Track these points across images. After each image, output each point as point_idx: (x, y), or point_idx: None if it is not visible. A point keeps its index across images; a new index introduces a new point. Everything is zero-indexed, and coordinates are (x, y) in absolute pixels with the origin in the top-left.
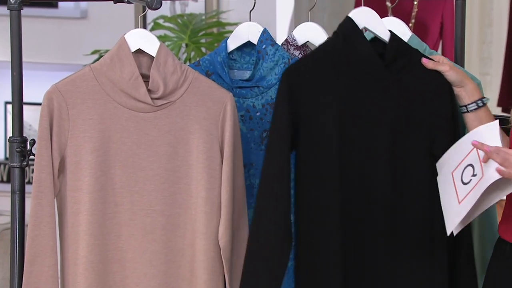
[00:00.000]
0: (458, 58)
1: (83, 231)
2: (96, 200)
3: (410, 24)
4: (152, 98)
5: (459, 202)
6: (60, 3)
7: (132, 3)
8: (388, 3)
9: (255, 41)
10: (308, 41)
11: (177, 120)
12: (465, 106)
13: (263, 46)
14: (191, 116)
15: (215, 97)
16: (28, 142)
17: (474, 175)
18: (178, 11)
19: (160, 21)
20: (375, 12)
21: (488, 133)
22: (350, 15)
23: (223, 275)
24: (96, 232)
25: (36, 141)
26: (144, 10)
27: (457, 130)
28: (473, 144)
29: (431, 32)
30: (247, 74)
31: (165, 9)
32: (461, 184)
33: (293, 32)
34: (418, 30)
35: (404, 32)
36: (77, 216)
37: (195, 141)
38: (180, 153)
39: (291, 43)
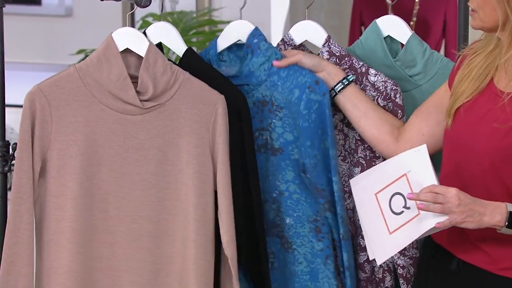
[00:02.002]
0: None
1: (66, 238)
2: (80, 206)
3: (411, 23)
4: (140, 100)
5: (390, 233)
6: (44, 0)
7: (120, 0)
8: (388, 0)
9: (244, 41)
10: (306, 41)
11: (166, 123)
12: (333, 89)
13: (255, 41)
14: (181, 118)
15: (206, 99)
16: (10, 147)
17: (406, 208)
18: (168, 9)
19: (149, 19)
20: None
21: (417, 160)
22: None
23: (213, 285)
24: (79, 240)
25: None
26: (132, 7)
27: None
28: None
29: (433, 31)
30: (234, 71)
31: (154, 7)
32: (390, 212)
33: (290, 31)
34: (420, 29)
35: (404, 31)
36: (60, 223)
37: (185, 145)
38: (170, 157)
39: (288, 43)
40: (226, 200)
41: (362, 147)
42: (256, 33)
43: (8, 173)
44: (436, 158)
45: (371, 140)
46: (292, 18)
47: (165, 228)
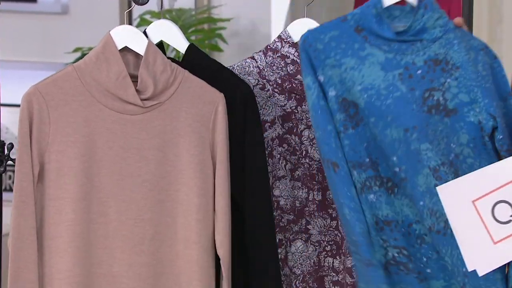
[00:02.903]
0: None
1: (66, 243)
2: (80, 209)
3: None
4: (140, 99)
5: (495, 243)
6: None
7: None
8: None
9: (413, 1)
10: None
11: (166, 123)
12: None
13: None
14: (181, 118)
15: (206, 97)
16: (5, 147)
17: None
18: (166, 6)
19: (147, 16)
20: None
21: None
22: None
23: (215, 286)
24: (80, 244)
25: (17, 147)
26: (130, 5)
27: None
28: None
29: None
30: (400, 28)
31: (152, 4)
32: (494, 221)
33: (288, 28)
34: None
35: None
36: (59, 227)
37: (185, 145)
38: (170, 157)
39: (285, 40)
40: (223, 200)
41: None
42: None
43: (3, 174)
44: None
45: None
46: (293, 15)
47: (165, 231)
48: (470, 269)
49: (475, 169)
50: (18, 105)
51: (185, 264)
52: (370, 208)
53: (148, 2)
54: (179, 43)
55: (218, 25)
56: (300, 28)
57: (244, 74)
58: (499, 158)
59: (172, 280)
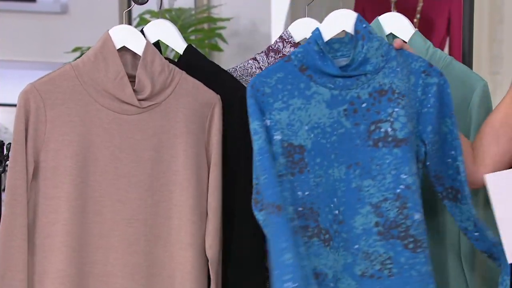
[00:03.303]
0: (466, 57)
1: (60, 242)
2: (75, 209)
3: (415, 20)
4: (138, 99)
5: None
6: None
7: None
8: None
9: (350, 30)
10: (305, 38)
11: (162, 123)
12: None
13: (363, 25)
14: (177, 118)
15: (203, 99)
16: (5, 147)
17: None
18: (166, 6)
19: (147, 16)
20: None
21: None
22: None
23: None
24: (74, 244)
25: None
26: (129, 4)
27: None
28: None
29: (437, 29)
30: (342, 63)
31: (152, 4)
32: None
33: (289, 28)
34: (423, 26)
35: (407, 28)
36: (53, 226)
37: (182, 146)
38: (165, 158)
39: (286, 40)
40: (214, 202)
41: None
42: (362, 19)
43: (3, 174)
44: None
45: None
46: (293, 15)
47: (158, 232)
48: (510, 261)
49: (423, 199)
50: (16, 105)
51: (179, 265)
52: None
53: (148, 2)
54: (177, 43)
55: (218, 25)
56: (301, 27)
57: (247, 76)
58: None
59: (166, 281)
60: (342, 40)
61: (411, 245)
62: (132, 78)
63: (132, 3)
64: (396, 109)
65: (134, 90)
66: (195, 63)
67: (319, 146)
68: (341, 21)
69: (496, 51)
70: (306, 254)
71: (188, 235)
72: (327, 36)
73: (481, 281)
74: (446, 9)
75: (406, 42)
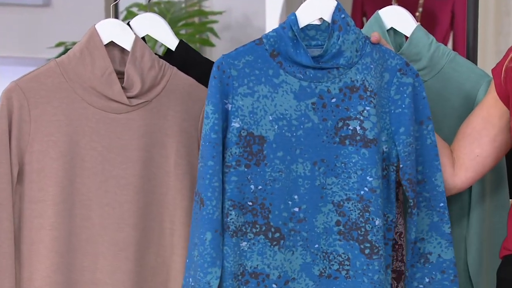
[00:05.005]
0: (471, 52)
1: (47, 248)
2: (61, 213)
3: (417, 14)
4: (127, 97)
5: None
6: None
7: None
8: None
9: (327, 19)
10: None
11: (153, 122)
12: None
13: (342, 16)
14: (169, 116)
15: (196, 95)
16: None
17: None
18: None
19: (134, 9)
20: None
21: None
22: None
23: None
24: (61, 250)
25: None
26: None
27: None
28: None
29: (440, 23)
30: (316, 53)
31: None
32: None
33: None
34: (426, 20)
35: (409, 22)
36: (39, 231)
37: (174, 145)
38: (156, 158)
39: None
40: None
41: None
42: (342, 9)
43: None
44: None
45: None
46: (289, 8)
47: (150, 236)
48: None
49: (384, 206)
50: None
51: (172, 271)
52: (239, 256)
53: None
54: (167, 38)
55: (209, 19)
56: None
57: None
58: (399, 188)
59: (157, 287)
60: (319, 27)
61: (367, 251)
62: (120, 75)
63: None
64: (367, 108)
65: (122, 87)
66: (189, 59)
67: (283, 139)
68: (319, 8)
69: (503, 45)
70: (243, 252)
71: (181, 239)
72: (303, 22)
73: None
74: (449, 2)
75: (408, 37)
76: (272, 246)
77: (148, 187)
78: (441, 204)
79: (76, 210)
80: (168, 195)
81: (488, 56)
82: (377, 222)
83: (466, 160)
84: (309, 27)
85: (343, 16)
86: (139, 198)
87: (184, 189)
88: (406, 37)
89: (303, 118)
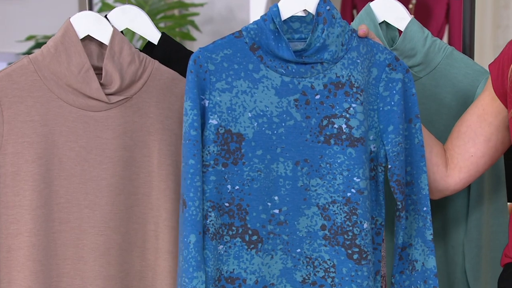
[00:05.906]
0: (467, 46)
1: (25, 255)
2: (40, 218)
3: (410, 6)
4: (105, 94)
5: None
6: None
7: None
8: None
9: (312, 10)
10: None
11: (134, 119)
12: None
13: (327, 8)
14: (151, 114)
15: (180, 91)
16: None
17: None
18: None
19: (110, 1)
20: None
21: None
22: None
23: None
24: (39, 257)
25: None
26: None
27: None
28: None
29: (435, 16)
30: (299, 46)
31: None
32: None
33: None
34: (420, 13)
35: (402, 15)
36: (16, 238)
37: (156, 143)
38: (138, 158)
39: None
40: None
41: None
42: (328, 0)
43: None
44: None
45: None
46: (274, 0)
47: (133, 240)
48: None
49: (372, 209)
50: None
51: (156, 276)
52: (216, 260)
53: None
54: (148, 31)
55: (190, 11)
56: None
57: None
58: (387, 189)
59: None
60: (304, 19)
61: (355, 256)
62: (98, 71)
63: None
64: (354, 105)
65: (101, 84)
66: (173, 53)
67: (263, 137)
68: (306, 2)
69: (501, 39)
70: (219, 256)
71: (166, 242)
72: (286, 14)
73: None
74: None
75: (402, 31)
76: (249, 250)
77: (130, 188)
78: (424, 208)
79: (54, 214)
80: (151, 196)
81: (486, 49)
82: (365, 226)
83: (460, 159)
84: (293, 19)
85: (328, 8)
86: (120, 200)
87: (168, 189)
88: (400, 31)
89: (284, 116)
